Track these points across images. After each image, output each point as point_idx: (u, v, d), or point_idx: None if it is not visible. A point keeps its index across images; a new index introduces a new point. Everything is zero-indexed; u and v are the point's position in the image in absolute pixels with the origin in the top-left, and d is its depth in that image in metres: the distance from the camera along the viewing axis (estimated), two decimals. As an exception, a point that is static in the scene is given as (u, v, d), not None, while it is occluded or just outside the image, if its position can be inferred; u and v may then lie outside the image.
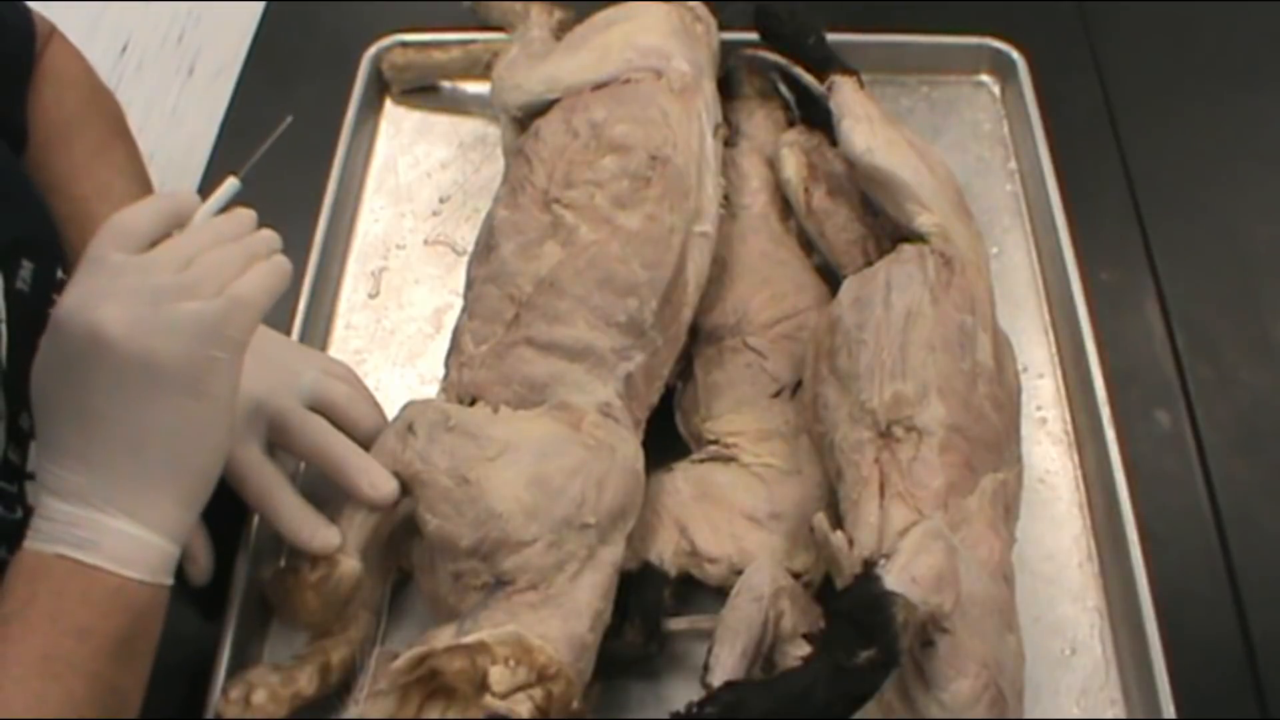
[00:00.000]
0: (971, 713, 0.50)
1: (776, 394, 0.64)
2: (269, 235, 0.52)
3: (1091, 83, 0.86)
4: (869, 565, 0.51)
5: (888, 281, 0.60)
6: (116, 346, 0.45)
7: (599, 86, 0.67)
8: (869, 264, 0.64)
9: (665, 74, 0.67)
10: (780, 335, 0.65)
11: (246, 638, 0.60)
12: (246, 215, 0.53)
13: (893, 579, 0.49)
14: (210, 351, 0.47)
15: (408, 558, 0.58)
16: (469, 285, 0.64)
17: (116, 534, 0.46)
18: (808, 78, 0.73)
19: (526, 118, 0.70)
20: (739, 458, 0.63)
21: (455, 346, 0.62)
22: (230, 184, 0.54)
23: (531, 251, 0.61)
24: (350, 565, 0.55)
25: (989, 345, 0.59)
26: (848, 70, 0.71)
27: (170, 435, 0.47)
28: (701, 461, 0.63)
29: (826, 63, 0.72)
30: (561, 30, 0.77)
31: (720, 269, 0.67)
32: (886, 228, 0.67)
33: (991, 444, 0.57)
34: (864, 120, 0.66)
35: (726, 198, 0.70)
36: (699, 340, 0.66)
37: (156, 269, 0.47)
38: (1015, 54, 0.84)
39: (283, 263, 0.51)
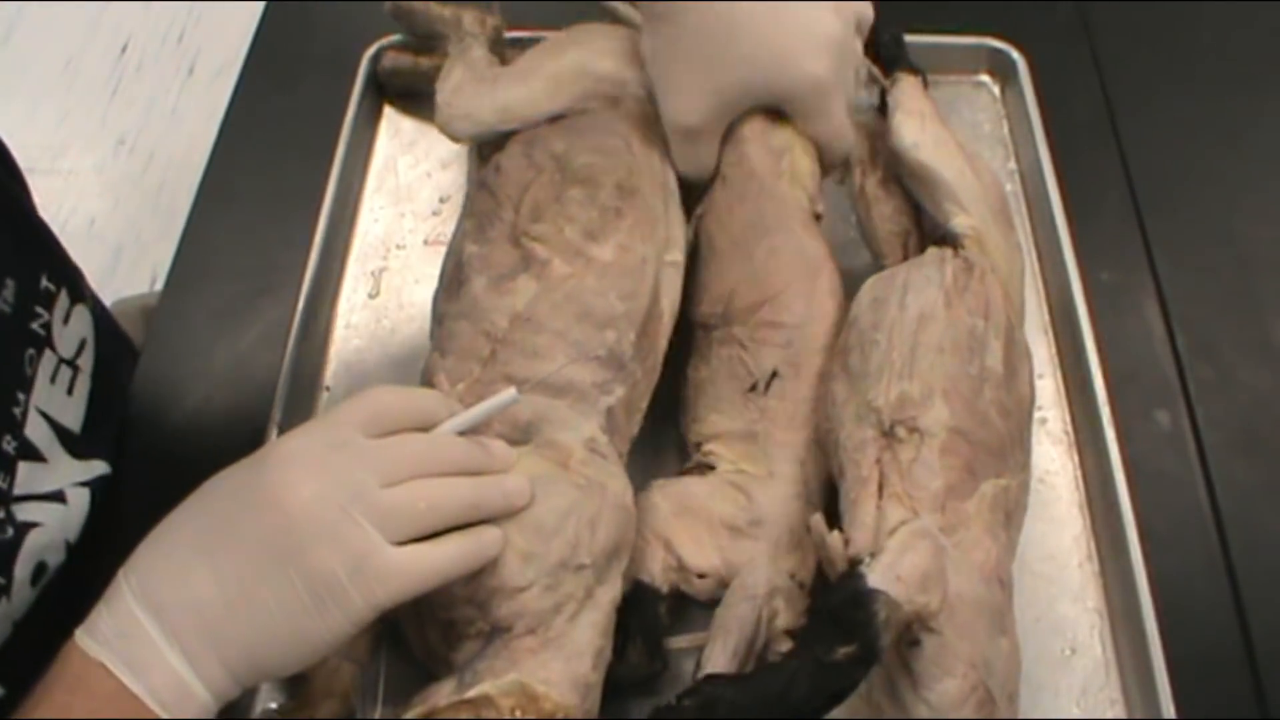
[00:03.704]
0: (958, 713, 0.49)
1: (751, 388, 0.62)
2: (513, 487, 0.51)
3: (1091, 83, 0.86)
4: (854, 563, 0.51)
5: (905, 283, 0.60)
6: (281, 517, 0.45)
7: (555, 119, 0.66)
8: (906, 259, 0.64)
9: (622, 100, 0.67)
10: (761, 323, 0.62)
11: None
12: (500, 453, 0.52)
13: (876, 577, 0.49)
14: (351, 591, 0.45)
15: (395, 610, 0.57)
16: (438, 322, 0.62)
17: (167, 670, 0.44)
18: (874, 70, 0.73)
19: (485, 147, 0.69)
20: (716, 465, 0.62)
21: (429, 387, 0.60)
22: (508, 396, 0.52)
23: (504, 286, 0.60)
24: None
25: (1000, 351, 0.59)
26: (914, 70, 0.71)
27: (267, 623, 0.45)
28: (679, 475, 0.62)
29: (896, 61, 0.72)
30: (498, 38, 0.76)
31: (709, 250, 0.65)
32: (928, 226, 0.67)
33: (995, 450, 0.56)
34: (915, 115, 0.67)
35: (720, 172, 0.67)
36: (694, 332, 0.65)
37: (372, 469, 0.47)
38: (1015, 54, 0.84)
39: (492, 543, 0.50)
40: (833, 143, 0.65)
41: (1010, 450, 0.57)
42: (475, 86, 0.70)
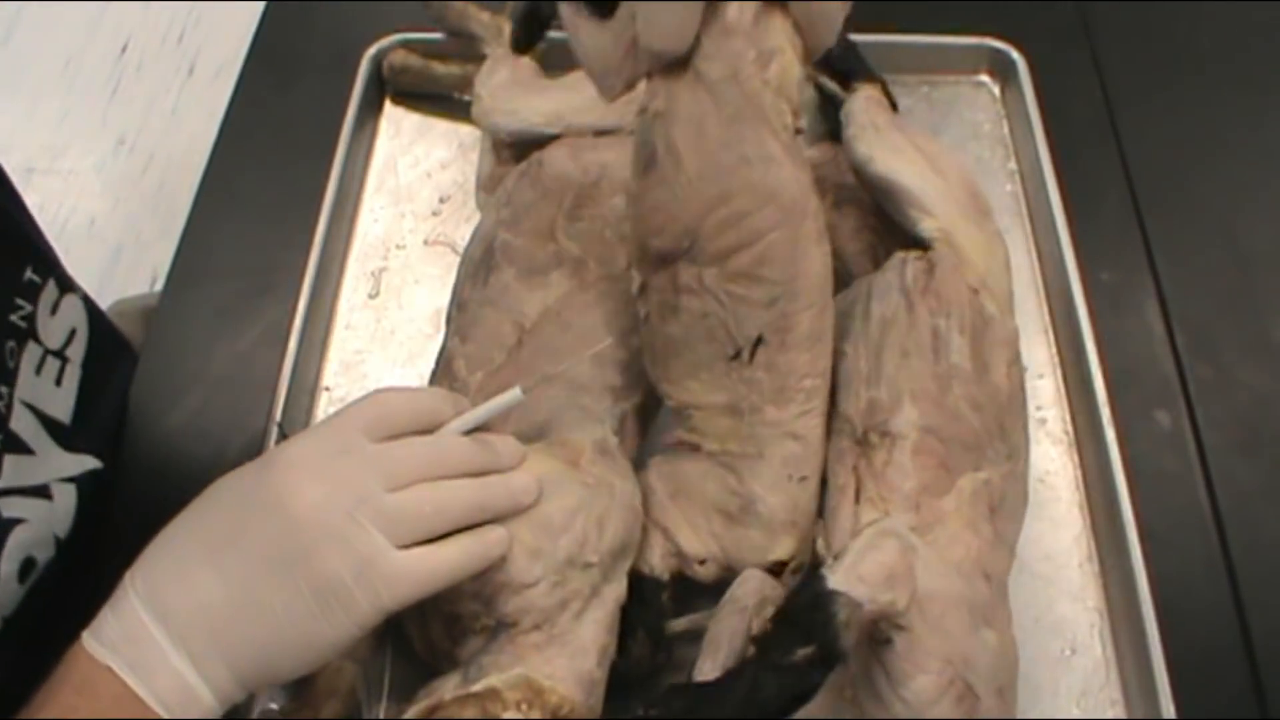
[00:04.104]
0: (935, 710, 0.49)
1: (735, 356, 0.56)
2: (520, 486, 0.51)
3: (1091, 83, 0.86)
4: (816, 566, 0.51)
5: (868, 292, 0.61)
6: (287, 522, 0.45)
7: (602, 132, 0.66)
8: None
9: None
10: (738, 273, 0.54)
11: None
12: (507, 450, 0.52)
13: (838, 578, 0.48)
14: (357, 594, 0.45)
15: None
16: (460, 307, 0.63)
17: (173, 674, 0.45)
18: (832, 86, 0.72)
19: (517, 144, 0.70)
20: (702, 444, 0.59)
21: (446, 372, 0.60)
22: (513, 395, 0.51)
23: (537, 280, 0.60)
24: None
25: (966, 346, 0.59)
26: (873, 79, 0.70)
27: (273, 627, 0.45)
28: (672, 452, 0.60)
29: (854, 73, 0.71)
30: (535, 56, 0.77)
31: (671, 164, 0.54)
32: (898, 235, 0.67)
33: (970, 444, 0.57)
34: (868, 128, 0.66)
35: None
36: (650, 265, 0.56)
37: (377, 473, 0.47)
38: (1015, 54, 0.84)
39: (497, 543, 0.50)
40: (819, 23, 0.54)
41: (988, 442, 0.58)
42: (521, 88, 0.71)
